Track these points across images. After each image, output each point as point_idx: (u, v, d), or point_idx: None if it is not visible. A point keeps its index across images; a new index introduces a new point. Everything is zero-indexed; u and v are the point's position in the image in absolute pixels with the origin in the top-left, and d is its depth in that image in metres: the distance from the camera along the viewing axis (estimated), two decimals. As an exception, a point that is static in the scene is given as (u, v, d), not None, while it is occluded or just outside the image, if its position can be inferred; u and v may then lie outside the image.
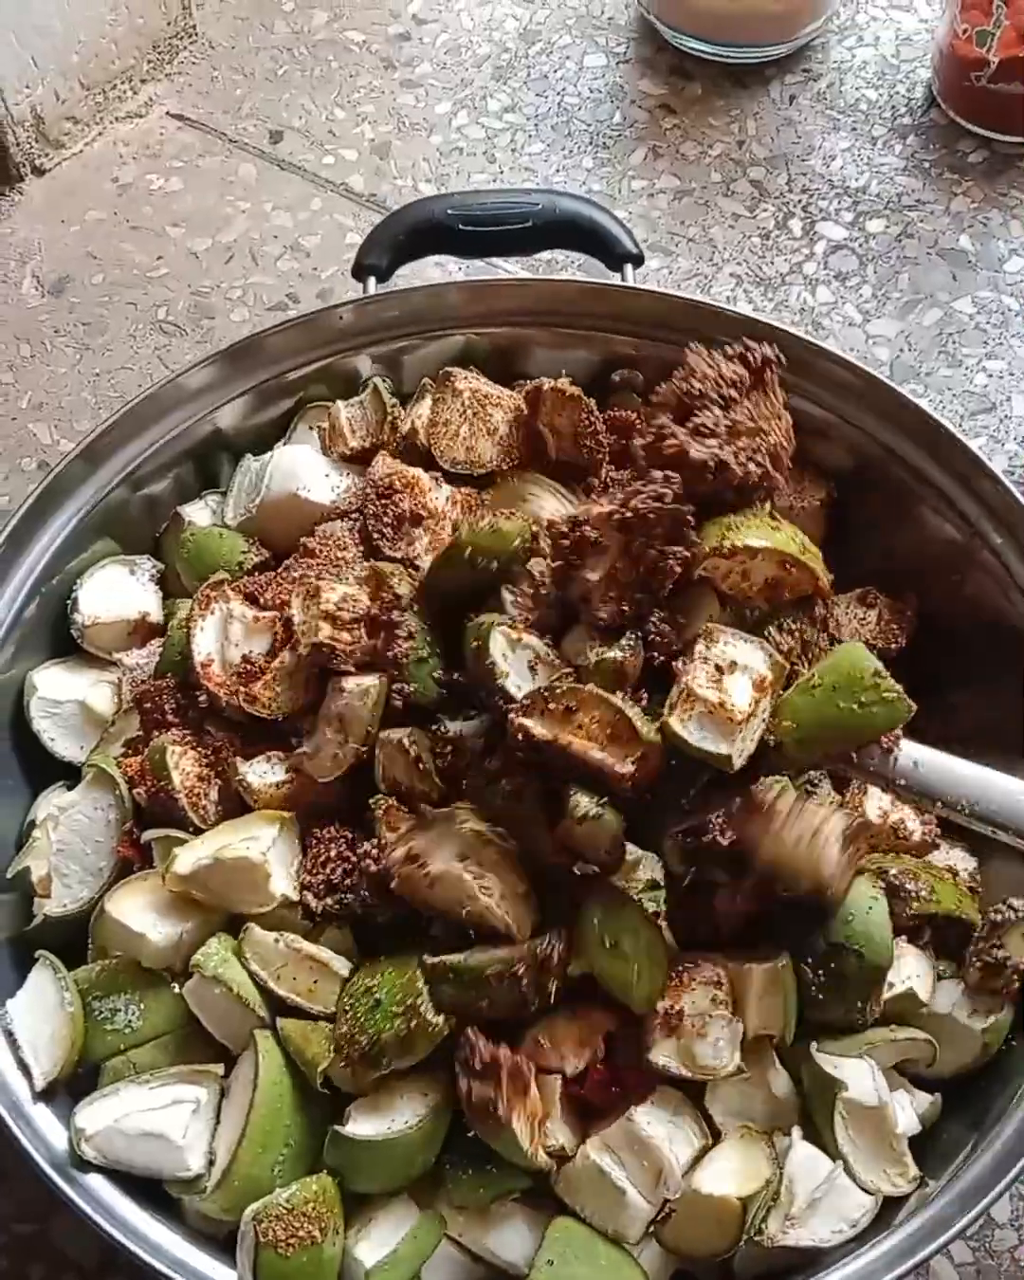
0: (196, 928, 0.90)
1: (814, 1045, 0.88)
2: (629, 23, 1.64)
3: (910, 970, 0.92)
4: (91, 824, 0.96)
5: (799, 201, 1.50)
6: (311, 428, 1.13)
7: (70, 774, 1.02)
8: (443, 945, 0.87)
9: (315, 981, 0.88)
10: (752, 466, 0.89)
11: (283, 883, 0.90)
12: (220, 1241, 0.87)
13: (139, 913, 0.90)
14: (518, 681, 0.88)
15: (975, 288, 1.43)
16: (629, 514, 0.87)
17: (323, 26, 1.67)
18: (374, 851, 0.88)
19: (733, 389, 0.90)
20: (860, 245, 1.46)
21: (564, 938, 0.86)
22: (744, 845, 0.85)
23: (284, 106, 1.60)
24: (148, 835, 0.94)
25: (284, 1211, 0.82)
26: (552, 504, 1.02)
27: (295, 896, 0.90)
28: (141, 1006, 0.90)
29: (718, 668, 0.85)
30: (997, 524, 1.01)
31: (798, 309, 1.43)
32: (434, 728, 0.91)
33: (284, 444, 1.12)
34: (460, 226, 1.16)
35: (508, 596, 0.93)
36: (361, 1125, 0.85)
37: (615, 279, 1.16)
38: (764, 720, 0.86)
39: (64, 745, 1.03)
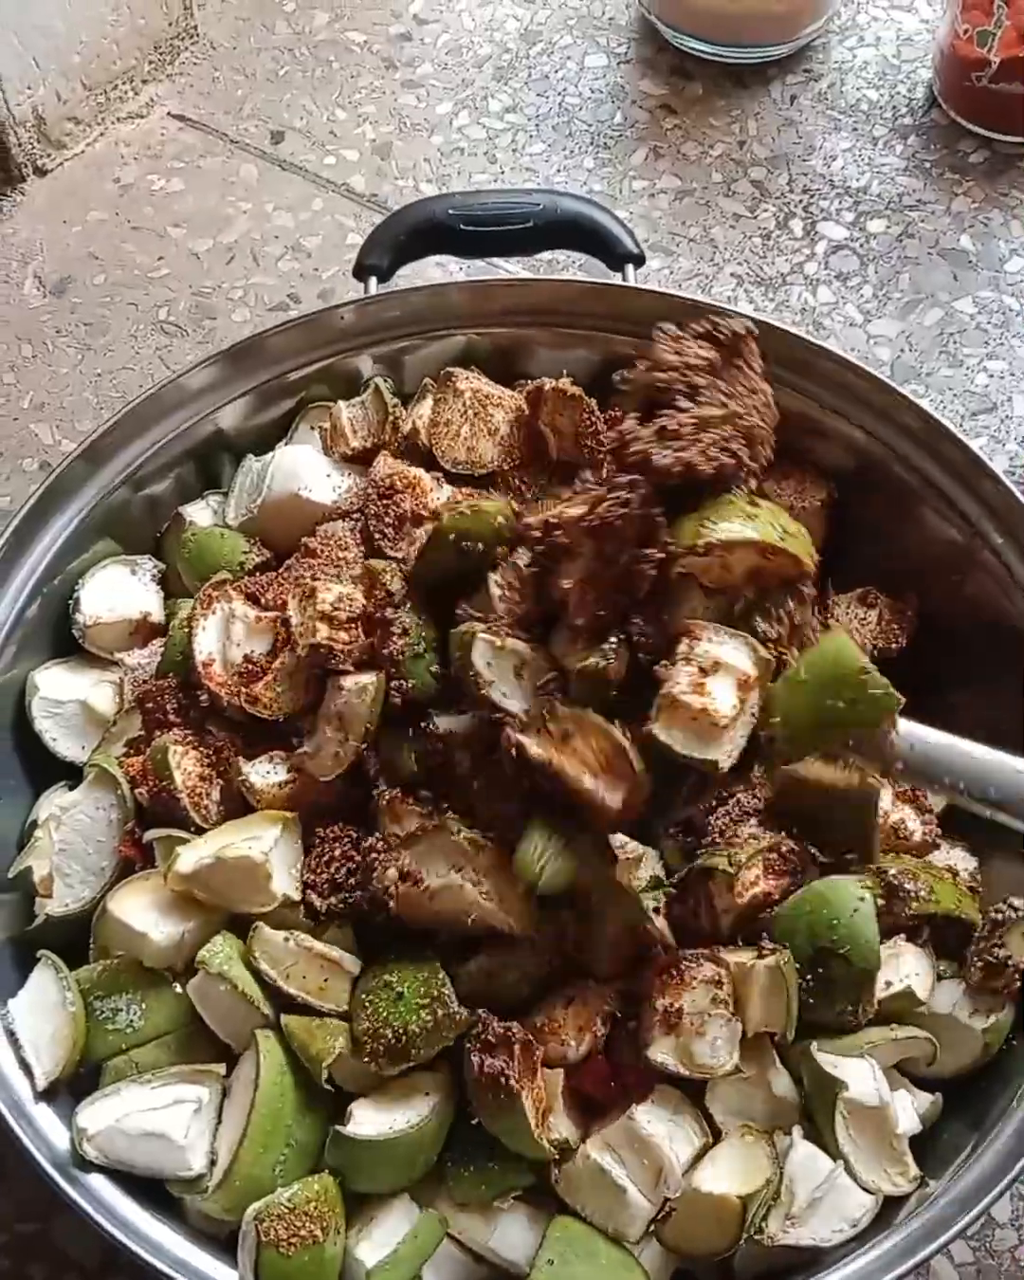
0: (198, 927, 0.91)
1: (815, 1045, 0.88)
2: (630, 23, 1.64)
3: (909, 968, 0.92)
4: (93, 824, 0.96)
5: (800, 202, 1.50)
6: (313, 428, 1.13)
7: (72, 774, 1.02)
8: (448, 947, 0.88)
9: (326, 979, 0.88)
10: (725, 457, 0.86)
11: (284, 882, 0.90)
12: (222, 1241, 0.88)
13: (141, 912, 0.90)
14: (503, 689, 0.88)
15: (976, 288, 1.43)
16: (597, 522, 0.86)
17: (324, 27, 1.67)
18: (379, 847, 0.88)
19: (702, 374, 0.87)
20: (861, 245, 1.46)
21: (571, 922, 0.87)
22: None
23: (285, 107, 1.60)
24: (150, 835, 0.94)
25: (286, 1211, 0.82)
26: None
27: (297, 896, 0.90)
28: (143, 1006, 0.90)
29: (701, 669, 0.84)
30: (998, 524, 1.01)
31: (799, 309, 1.43)
32: (425, 725, 0.91)
33: (285, 444, 1.13)
34: (462, 227, 1.16)
35: (496, 591, 0.92)
36: (363, 1125, 0.85)
37: (616, 279, 1.17)
38: (754, 714, 0.86)
39: (66, 745, 1.03)
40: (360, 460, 1.09)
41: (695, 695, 0.83)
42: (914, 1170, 0.88)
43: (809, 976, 0.88)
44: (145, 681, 1.01)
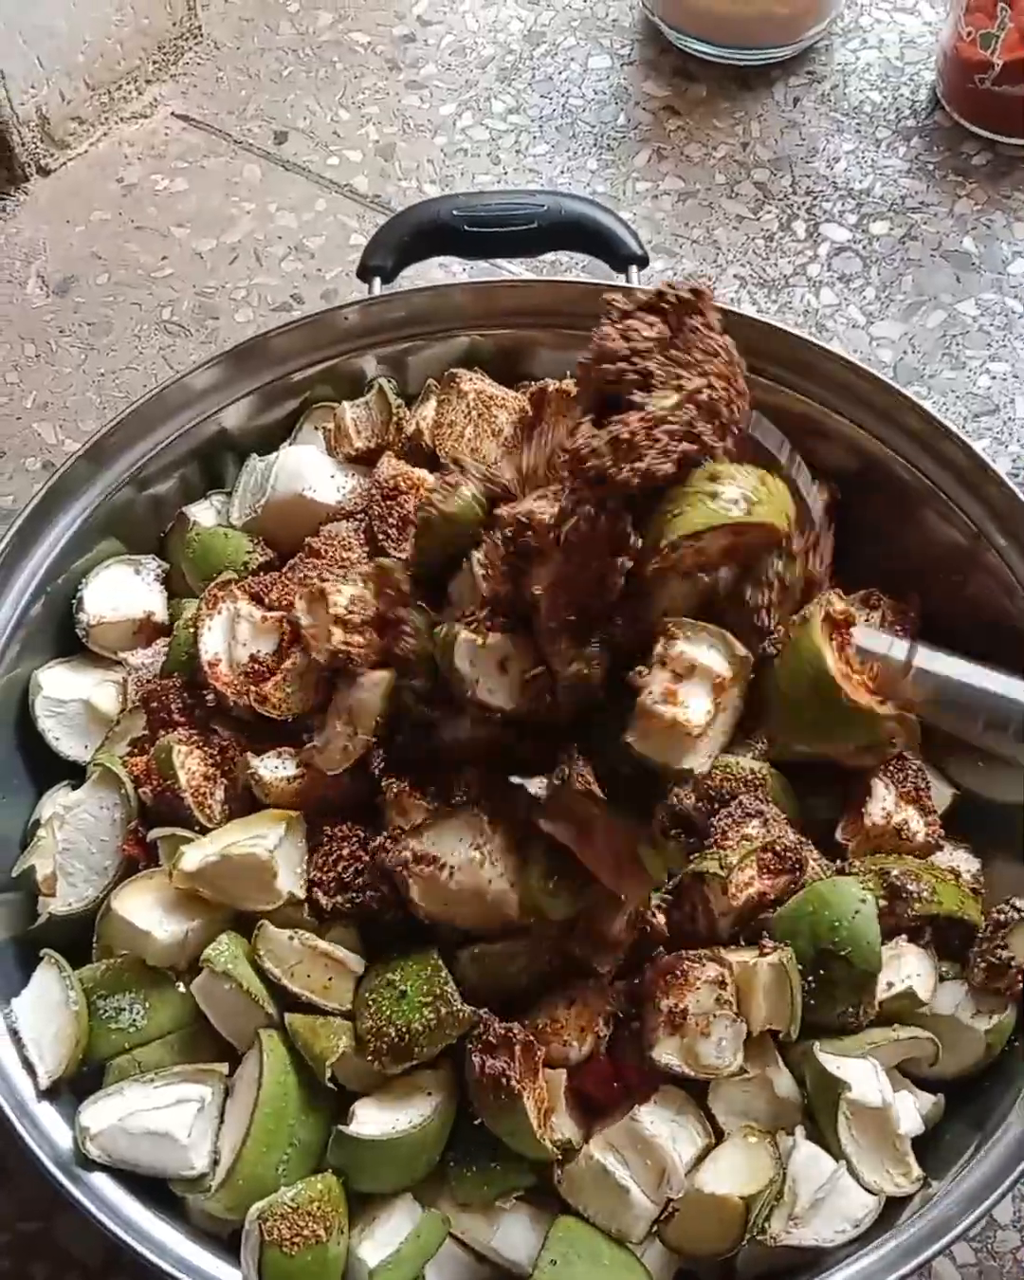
0: (202, 926, 0.91)
1: (817, 1045, 0.88)
2: (633, 25, 1.65)
3: (910, 969, 0.92)
4: (97, 823, 0.96)
5: (803, 203, 1.50)
6: (317, 428, 1.13)
7: (75, 773, 1.02)
8: (449, 941, 0.88)
9: (330, 978, 0.88)
10: (686, 444, 0.82)
11: (289, 881, 0.90)
12: (225, 1241, 0.88)
13: (145, 911, 0.90)
14: (489, 686, 0.87)
15: (979, 290, 1.43)
16: (563, 538, 0.83)
17: (328, 28, 1.67)
18: (387, 845, 0.88)
19: (652, 355, 0.82)
20: (864, 247, 1.47)
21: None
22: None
23: (289, 107, 1.60)
24: (154, 834, 0.94)
25: (289, 1210, 0.82)
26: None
27: (302, 894, 0.90)
28: (146, 1005, 0.90)
29: (676, 673, 0.82)
30: (1000, 526, 1.02)
31: (801, 311, 1.43)
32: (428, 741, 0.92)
33: (289, 444, 1.13)
34: (465, 228, 1.16)
35: (478, 570, 0.90)
36: (366, 1124, 0.85)
37: (620, 281, 1.16)
38: (735, 712, 0.84)
39: (69, 744, 1.03)
40: (364, 461, 1.09)
41: (668, 705, 0.81)
42: (917, 1171, 0.88)
43: (811, 978, 0.88)
44: (149, 681, 1.01)
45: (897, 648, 0.91)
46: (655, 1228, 0.86)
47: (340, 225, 1.51)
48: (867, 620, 1.04)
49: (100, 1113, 0.87)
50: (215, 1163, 0.87)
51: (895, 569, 1.07)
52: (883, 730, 0.89)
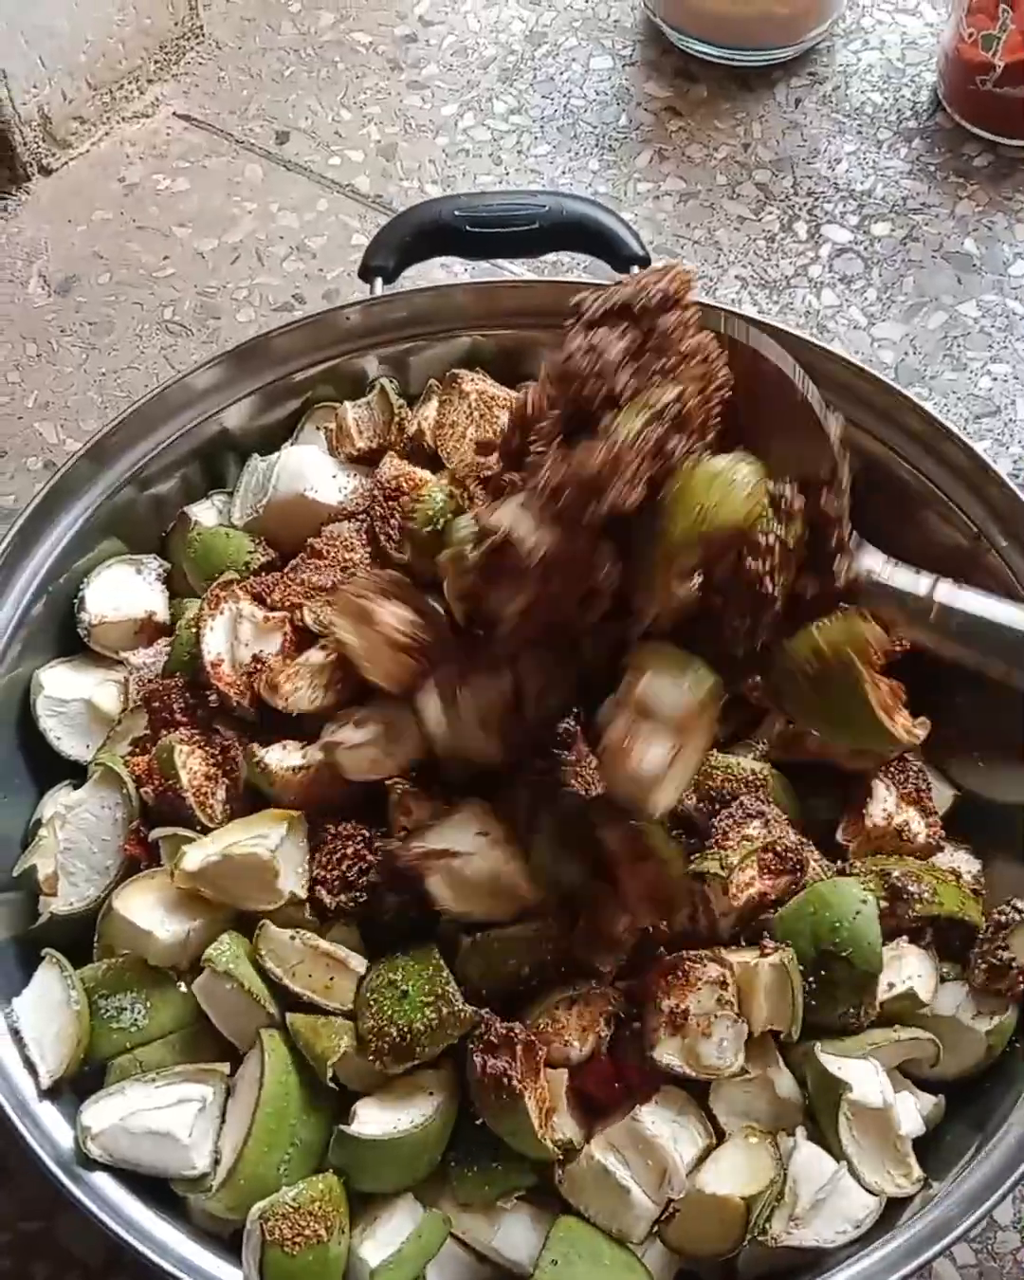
0: (204, 926, 0.91)
1: (818, 1046, 0.88)
2: (635, 25, 1.65)
3: (911, 970, 0.92)
4: (98, 822, 0.96)
5: (804, 204, 1.50)
6: (318, 428, 1.14)
7: (76, 773, 1.02)
8: (451, 940, 0.89)
9: (331, 978, 0.88)
10: (659, 464, 0.79)
11: (291, 880, 0.90)
12: (226, 1240, 0.88)
13: (147, 910, 0.90)
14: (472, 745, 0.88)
15: (980, 291, 1.43)
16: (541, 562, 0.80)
17: (329, 28, 1.67)
18: (397, 846, 0.88)
19: (622, 369, 0.78)
20: (865, 248, 1.47)
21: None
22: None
23: (290, 107, 1.60)
24: (156, 833, 0.94)
25: (290, 1210, 0.82)
26: None
27: (304, 894, 0.90)
28: (148, 1005, 0.90)
29: (639, 712, 0.81)
30: (1001, 527, 1.02)
31: (803, 312, 1.43)
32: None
33: (291, 444, 1.13)
34: (467, 228, 1.17)
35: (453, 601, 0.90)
36: (368, 1124, 0.85)
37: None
38: (708, 738, 0.84)
39: (70, 744, 1.03)
40: (366, 461, 1.09)
41: (622, 754, 0.80)
42: (917, 1172, 0.88)
43: (812, 978, 0.88)
44: (151, 681, 1.01)
45: (920, 583, 0.86)
46: (656, 1228, 0.86)
47: (342, 225, 1.51)
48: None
49: (101, 1112, 0.87)
50: (216, 1162, 0.87)
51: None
52: (892, 745, 0.88)
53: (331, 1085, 0.87)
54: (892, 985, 0.91)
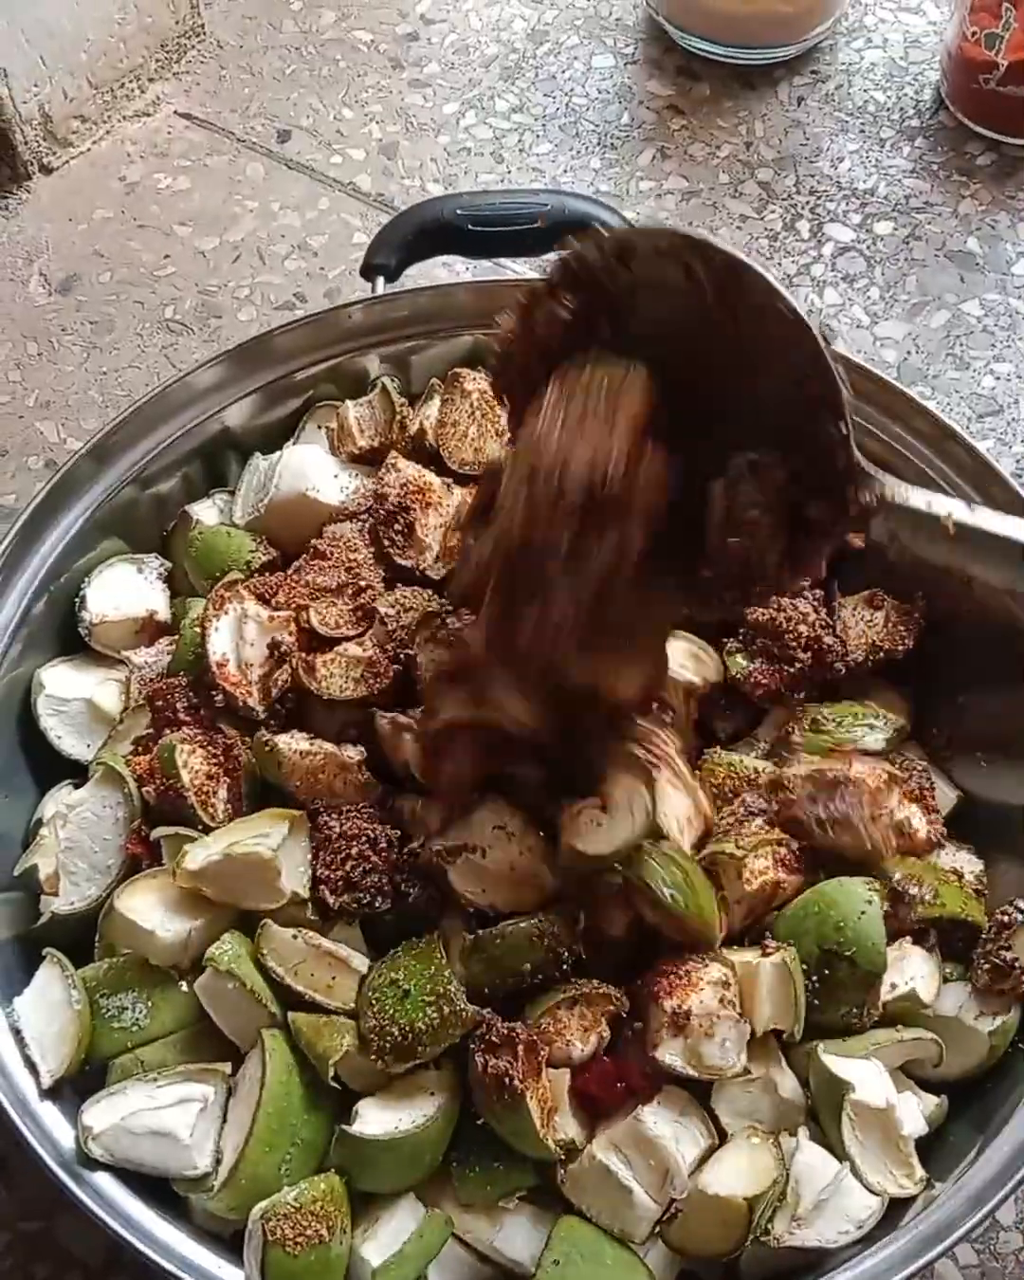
0: (206, 925, 0.90)
1: (821, 1046, 0.88)
2: (637, 23, 1.64)
3: (914, 971, 0.92)
4: (100, 822, 0.96)
5: (807, 203, 1.50)
6: (320, 427, 1.13)
7: (77, 772, 1.02)
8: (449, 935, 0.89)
9: (333, 977, 0.88)
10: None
11: (293, 880, 0.90)
12: (227, 1240, 0.87)
13: (149, 910, 0.90)
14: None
15: (983, 290, 1.43)
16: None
17: (331, 26, 1.67)
18: (418, 849, 0.90)
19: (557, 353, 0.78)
20: (868, 247, 1.46)
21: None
22: None
23: (292, 106, 1.60)
24: (158, 833, 0.94)
25: (291, 1210, 0.82)
26: None
27: (305, 893, 0.90)
28: (149, 1004, 0.90)
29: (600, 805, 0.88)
30: (1005, 526, 1.01)
31: (805, 311, 1.42)
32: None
33: (292, 443, 1.13)
34: (469, 227, 1.17)
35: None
36: (369, 1124, 0.85)
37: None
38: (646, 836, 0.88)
39: (71, 743, 1.03)
40: (367, 460, 1.09)
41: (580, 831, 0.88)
42: (920, 1172, 0.88)
43: (815, 978, 0.88)
44: (154, 680, 1.01)
45: (937, 503, 0.82)
46: (658, 1228, 0.86)
47: (343, 224, 1.51)
48: (869, 622, 1.04)
49: (103, 1112, 0.87)
50: (218, 1162, 0.87)
51: (899, 569, 1.07)
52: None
53: (333, 1085, 0.87)
54: (894, 986, 0.91)
